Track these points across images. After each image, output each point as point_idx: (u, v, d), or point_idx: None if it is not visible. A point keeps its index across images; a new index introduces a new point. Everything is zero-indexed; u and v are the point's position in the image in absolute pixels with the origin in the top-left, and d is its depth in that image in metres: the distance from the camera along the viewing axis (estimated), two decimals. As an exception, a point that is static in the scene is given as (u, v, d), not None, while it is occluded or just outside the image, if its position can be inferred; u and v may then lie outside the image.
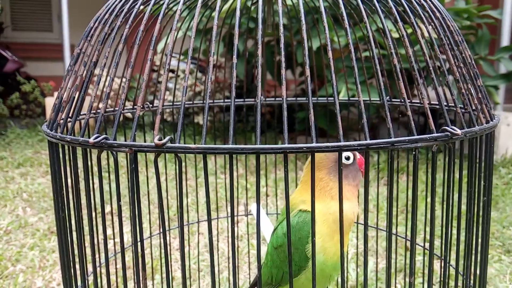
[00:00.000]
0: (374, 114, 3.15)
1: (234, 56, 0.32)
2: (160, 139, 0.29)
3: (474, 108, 0.38)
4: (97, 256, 0.46)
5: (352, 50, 0.34)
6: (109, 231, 1.75)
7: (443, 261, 0.45)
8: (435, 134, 0.32)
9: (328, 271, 0.53)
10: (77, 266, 0.51)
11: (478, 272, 0.49)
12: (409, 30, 2.29)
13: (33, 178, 2.63)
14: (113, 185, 2.05)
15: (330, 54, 0.33)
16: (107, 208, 2.05)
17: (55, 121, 0.39)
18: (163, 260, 1.31)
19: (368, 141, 0.30)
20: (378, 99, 0.87)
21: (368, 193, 0.34)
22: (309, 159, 0.56)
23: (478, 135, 0.36)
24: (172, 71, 3.81)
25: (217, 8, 0.34)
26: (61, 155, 0.41)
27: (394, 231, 1.19)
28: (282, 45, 0.33)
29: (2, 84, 4.30)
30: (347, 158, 0.55)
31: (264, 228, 0.72)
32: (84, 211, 0.42)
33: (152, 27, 0.43)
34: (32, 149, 3.34)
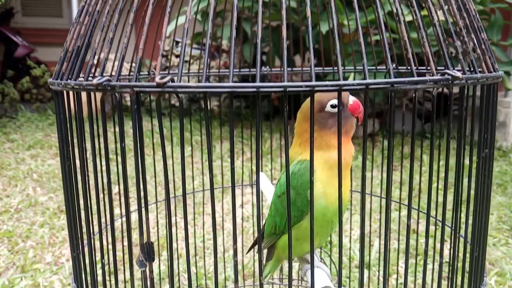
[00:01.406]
0: (383, 100, 3.11)
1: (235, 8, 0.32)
2: (161, 79, 0.29)
3: (476, 57, 0.38)
4: (101, 217, 0.47)
5: (359, 25, 0.33)
6: (116, 211, 1.78)
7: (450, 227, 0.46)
8: (435, 77, 0.31)
9: (329, 215, 0.54)
10: (83, 232, 0.52)
11: (478, 235, 0.49)
12: (423, 13, 2.26)
13: (43, 160, 2.67)
14: (121, 167, 2.07)
15: (335, 26, 0.33)
16: (115, 189, 2.08)
17: (59, 72, 0.39)
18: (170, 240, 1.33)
19: (368, 81, 0.30)
20: (384, 67, 0.86)
21: (366, 151, 0.34)
22: (301, 109, 0.57)
23: (480, 84, 0.35)
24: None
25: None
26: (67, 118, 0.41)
27: (402, 213, 1.19)
28: (283, 10, 0.32)
29: (13, 69, 4.34)
30: (333, 106, 0.54)
31: (269, 195, 0.73)
32: (92, 188, 0.43)
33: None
34: (42, 132, 3.38)
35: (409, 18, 2.40)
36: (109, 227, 0.68)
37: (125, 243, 1.32)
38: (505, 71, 2.77)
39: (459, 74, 0.31)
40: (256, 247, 0.77)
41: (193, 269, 1.47)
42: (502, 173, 2.43)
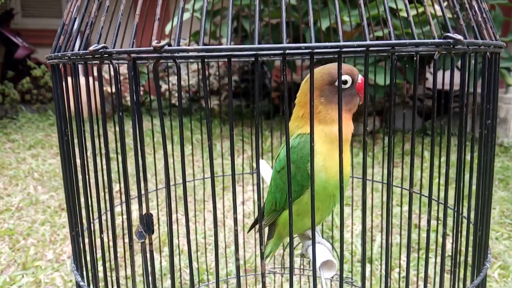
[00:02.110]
0: (385, 98, 3.10)
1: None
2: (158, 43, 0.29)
3: (479, 24, 0.37)
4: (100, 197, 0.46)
5: (364, 16, 0.33)
6: (118, 209, 1.77)
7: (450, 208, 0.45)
8: (437, 40, 0.31)
9: (331, 189, 0.53)
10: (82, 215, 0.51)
11: (480, 213, 0.48)
12: (420, 10, 2.25)
13: (44, 159, 2.66)
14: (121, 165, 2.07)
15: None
16: (116, 187, 2.07)
17: (56, 46, 0.39)
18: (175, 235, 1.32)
19: (368, 42, 0.30)
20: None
21: (366, 139, 0.33)
22: (306, 79, 0.56)
23: (482, 51, 0.35)
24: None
25: None
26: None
27: (404, 208, 1.19)
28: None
29: (13, 70, 4.34)
30: (345, 83, 0.53)
31: (269, 179, 0.72)
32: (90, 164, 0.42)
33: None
34: (43, 132, 3.38)
35: (413, 12, 2.39)
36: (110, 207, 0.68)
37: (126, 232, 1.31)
38: (506, 67, 2.76)
39: (460, 37, 0.31)
40: (257, 226, 0.76)
41: (194, 264, 1.47)
42: (504, 168, 2.43)
